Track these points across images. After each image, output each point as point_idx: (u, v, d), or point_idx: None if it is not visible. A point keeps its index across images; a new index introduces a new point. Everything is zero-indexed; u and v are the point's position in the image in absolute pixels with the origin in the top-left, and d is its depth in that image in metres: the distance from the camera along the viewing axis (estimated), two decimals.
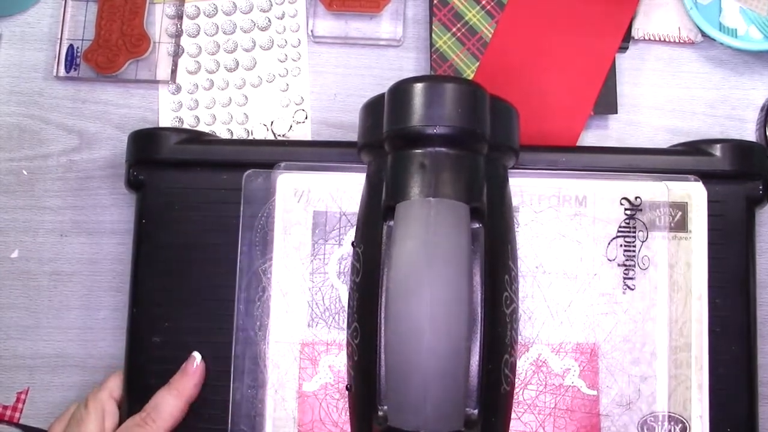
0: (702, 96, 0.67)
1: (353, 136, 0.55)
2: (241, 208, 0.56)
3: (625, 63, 0.67)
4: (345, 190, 0.56)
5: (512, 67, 0.65)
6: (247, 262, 0.56)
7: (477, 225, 0.49)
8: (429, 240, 0.46)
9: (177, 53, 0.68)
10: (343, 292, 0.55)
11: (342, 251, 0.56)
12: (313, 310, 0.55)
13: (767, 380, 0.61)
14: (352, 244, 0.52)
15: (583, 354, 0.54)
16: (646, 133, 0.66)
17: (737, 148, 0.57)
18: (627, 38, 0.65)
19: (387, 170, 0.50)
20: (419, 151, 0.49)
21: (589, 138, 0.66)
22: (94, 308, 0.65)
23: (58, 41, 0.68)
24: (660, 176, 0.56)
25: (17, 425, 0.64)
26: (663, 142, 0.65)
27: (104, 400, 0.57)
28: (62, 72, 0.67)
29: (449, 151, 0.49)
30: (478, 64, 0.65)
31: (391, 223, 0.48)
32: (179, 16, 0.68)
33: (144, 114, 0.68)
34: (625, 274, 0.55)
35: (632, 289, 0.55)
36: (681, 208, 0.55)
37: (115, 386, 0.58)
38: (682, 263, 0.55)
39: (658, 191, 0.55)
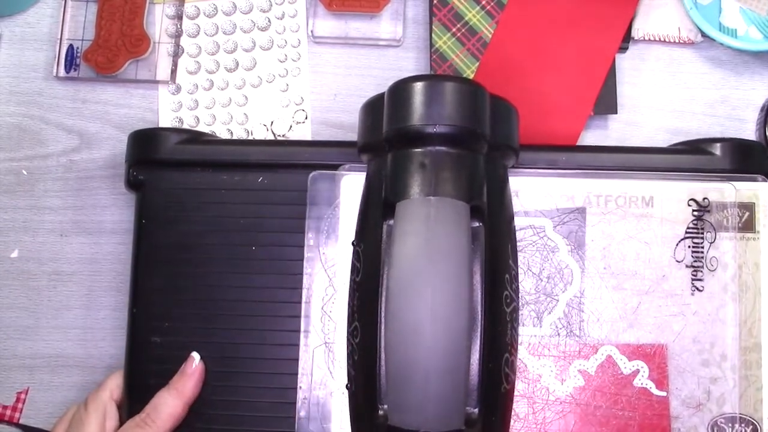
0: (702, 96, 0.67)
1: (353, 136, 0.55)
2: (307, 210, 0.56)
3: (625, 63, 0.67)
4: None
5: (512, 67, 0.65)
6: (313, 263, 0.56)
7: (477, 224, 0.49)
8: (429, 239, 0.46)
9: (177, 53, 0.68)
10: None
11: None
12: None
13: None
14: (353, 243, 0.52)
15: (652, 355, 0.54)
16: (645, 134, 0.66)
17: (737, 147, 0.57)
18: (627, 38, 0.65)
19: (387, 169, 0.50)
20: (419, 150, 0.49)
21: (589, 138, 0.66)
22: (94, 308, 0.65)
23: (58, 41, 0.68)
24: (727, 176, 0.56)
25: (17, 425, 0.64)
26: (663, 142, 0.65)
27: (104, 401, 0.57)
28: (62, 72, 0.67)
29: (449, 150, 0.49)
30: (477, 64, 0.65)
31: (391, 222, 0.48)
32: (179, 17, 0.68)
33: (144, 114, 0.68)
34: (693, 275, 0.55)
35: (701, 291, 0.55)
36: (748, 208, 0.56)
37: (115, 386, 0.58)
38: (750, 263, 0.55)
39: (726, 192, 0.55)
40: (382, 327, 0.47)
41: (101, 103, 0.68)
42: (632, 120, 0.66)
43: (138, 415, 0.55)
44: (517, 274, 0.52)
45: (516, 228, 0.54)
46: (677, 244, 0.55)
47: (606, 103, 0.65)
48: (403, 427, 0.46)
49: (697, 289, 0.55)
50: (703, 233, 0.55)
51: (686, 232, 0.55)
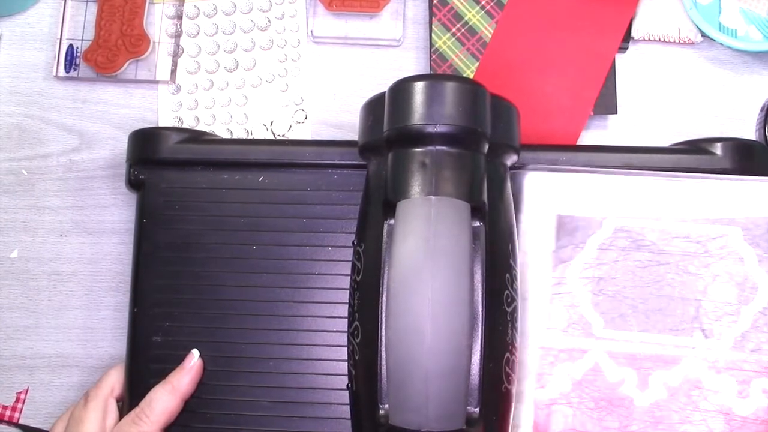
0: (702, 96, 0.67)
1: (353, 136, 0.56)
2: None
3: (625, 63, 0.67)
4: (591, 192, 0.55)
5: (512, 67, 0.65)
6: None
7: (478, 223, 0.49)
8: (430, 238, 0.46)
9: (177, 53, 0.68)
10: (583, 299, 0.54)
11: (585, 257, 0.54)
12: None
13: None
14: (353, 242, 0.52)
15: None
16: (645, 134, 0.66)
17: (739, 146, 0.57)
18: (627, 38, 0.66)
19: (387, 169, 0.50)
20: (420, 149, 0.49)
21: (589, 138, 0.66)
22: (94, 308, 0.65)
23: (58, 41, 0.68)
24: None
25: (17, 425, 0.64)
26: (663, 142, 0.65)
27: (104, 398, 0.57)
28: (62, 72, 0.67)
29: (450, 150, 0.49)
30: (477, 64, 0.65)
31: (392, 221, 0.48)
32: (179, 17, 0.68)
33: (144, 114, 0.68)
34: None
35: None
36: None
37: (116, 382, 0.57)
38: None
39: None
40: (383, 326, 0.47)
41: (101, 103, 0.68)
42: (632, 120, 0.66)
43: (133, 410, 0.55)
44: (518, 273, 0.52)
45: (702, 237, 0.53)
46: None
47: (606, 103, 0.65)
48: (404, 426, 0.46)
49: None
50: None
51: None
